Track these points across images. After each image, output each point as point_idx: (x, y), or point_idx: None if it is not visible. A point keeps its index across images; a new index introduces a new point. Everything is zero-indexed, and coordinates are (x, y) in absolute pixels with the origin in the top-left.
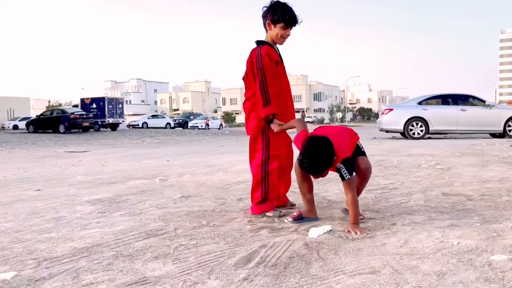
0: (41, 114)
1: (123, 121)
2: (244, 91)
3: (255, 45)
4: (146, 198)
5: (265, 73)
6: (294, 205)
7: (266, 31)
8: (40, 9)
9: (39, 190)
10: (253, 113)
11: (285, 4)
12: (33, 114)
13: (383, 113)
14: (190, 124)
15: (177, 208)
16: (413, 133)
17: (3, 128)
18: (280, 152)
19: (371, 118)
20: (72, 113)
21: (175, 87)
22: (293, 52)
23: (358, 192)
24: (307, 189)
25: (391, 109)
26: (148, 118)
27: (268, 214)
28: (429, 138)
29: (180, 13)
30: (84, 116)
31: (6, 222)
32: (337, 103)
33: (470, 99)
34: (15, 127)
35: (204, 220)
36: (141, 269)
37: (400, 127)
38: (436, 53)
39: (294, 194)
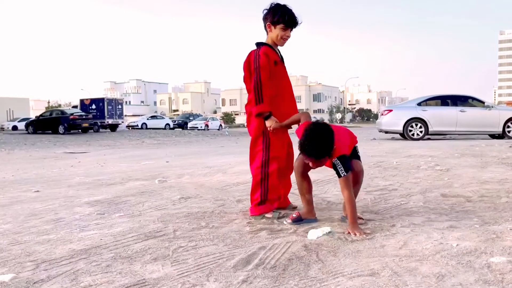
0: (41, 115)
1: (122, 122)
2: (243, 91)
3: (255, 47)
4: (145, 200)
5: (260, 72)
6: (296, 207)
7: (267, 33)
8: (39, 10)
9: (38, 191)
10: (253, 115)
11: (284, 6)
12: (32, 115)
13: (382, 114)
14: (189, 125)
15: (176, 209)
16: (413, 134)
17: (2, 129)
18: (280, 153)
19: (371, 119)
20: (72, 114)
21: (174, 88)
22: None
23: (356, 194)
24: (307, 190)
25: (391, 110)
26: (148, 119)
27: (267, 215)
28: (429, 139)
29: (180, 14)
30: (84, 117)
31: (5, 224)
32: (336, 104)
33: (470, 100)
34: (15, 128)
35: (203, 221)
36: (140, 271)
37: (400, 128)
38: (435, 53)
39: (293, 195)
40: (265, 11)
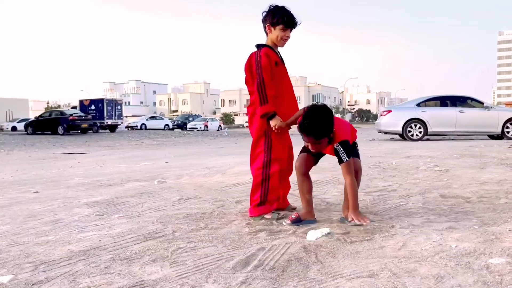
0: (40, 116)
1: (121, 123)
2: (243, 92)
3: (255, 49)
4: (144, 201)
5: (263, 73)
6: (295, 208)
7: (267, 35)
8: (39, 11)
9: (37, 192)
10: (255, 116)
11: (283, 7)
12: (31, 116)
13: (381, 115)
14: (189, 125)
15: (175, 210)
16: (412, 135)
17: (1, 129)
18: (281, 155)
19: (370, 120)
20: (71, 115)
21: (174, 89)
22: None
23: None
24: (307, 189)
25: (390, 111)
26: (147, 120)
27: (266, 216)
28: (428, 139)
29: (179, 14)
30: (83, 117)
31: (4, 225)
32: (336, 105)
33: (469, 101)
34: (14, 128)
35: (202, 222)
36: (138, 273)
37: (399, 129)
38: (435, 54)
39: (292, 196)
40: (264, 13)
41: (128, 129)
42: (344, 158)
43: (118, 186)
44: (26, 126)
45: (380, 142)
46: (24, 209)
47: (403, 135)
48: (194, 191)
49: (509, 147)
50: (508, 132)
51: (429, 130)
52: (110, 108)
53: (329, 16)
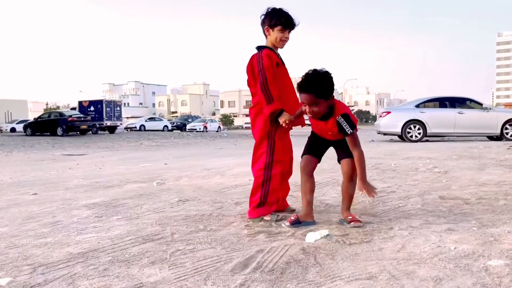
0: (39, 117)
1: (121, 124)
2: (242, 93)
3: (255, 50)
4: (143, 202)
5: (266, 74)
6: (294, 210)
7: (266, 37)
8: (38, 12)
9: (35, 194)
10: (258, 117)
11: (280, 9)
12: (30, 117)
13: (380, 116)
14: (188, 126)
15: (174, 212)
16: (411, 136)
17: (0, 131)
18: (283, 157)
19: (369, 121)
20: (70, 116)
21: (173, 90)
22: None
23: (350, 196)
24: (310, 189)
25: (389, 112)
26: (146, 121)
27: (265, 218)
28: (427, 141)
29: (178, 16)
30: (82, 118)
31: (2, 227)
32: None
33: (468, 102)
34: (13, 129)
35: (201, 224)
36: (137, 275)
37: (398, 130)
38: (434, 55)
39: (292, 197)
40: (262, 16)
41: (127, 130)
42: (348, 131)
43: (117, 187)
44: (25, 127)
45: (379, 143)
46: (23, 211)
47: (402, 136)
48: (193, 192)
49: (508, 148)
50: (507, 133)
51: (428, 131)
52: (109, 109)
53: (329, 16)
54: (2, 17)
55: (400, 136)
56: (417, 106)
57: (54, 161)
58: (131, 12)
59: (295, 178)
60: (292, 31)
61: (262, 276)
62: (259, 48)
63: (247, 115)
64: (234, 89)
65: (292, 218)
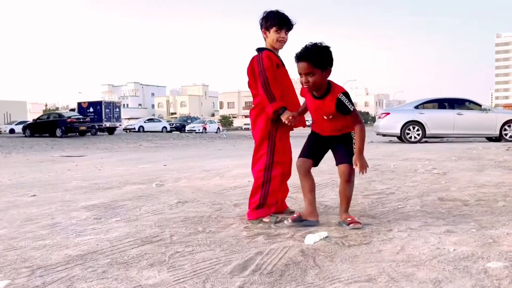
0: (38, 118)
1: (120, 125)
2: (241, 94)
3: (254, 51)
4: (142, 204)
5: (266, 74)
6: (293, 211)
7: (265, 40)
8: (37, 13)
9: (34, 195)
10: (259, 118)
11: (276, 11)
12: (29, 118)
13: (380, 117)
14: (187, 128)
15: (173, 214)
16: (410, 137)
17: None
18: (284, 158)
19: (368, 122)
20: (69, 117)
21: (172, 91)
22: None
23: (348, 198)
24: (308, 188)
25: (388, 113)
26: (145, 122)
27: (264, 219)
28: (426, 142)
29: (178, 17)
30: (81, 120)
31: (1, 229)
32: None
33: (467, 103)
34: (12, 131)
35: (200, 226)
36: (136, 277)
37: (397, 131)
38: (433, 56)
39: (291, 199)
40: (260, 20)
41: (127, 131)
42: (351, 107)
43: (116, 189)
44: (24, 129)
45: (378, 144)
46: (22, 213)
47: (402, 138)
48: (192, 194)
49: (507, 150)
50: (506, 135)
51: (427, 132)
52: (108, 110)
53: (327, 17)
54: (1, 18)
55: (399, 137)
56: (416, 107)
57: (53, 163)
58: (130, 13)
59: (294, 180)
60: (289, 32)
61: (261, 278)
62: (259, 50)
63: (246, 116)
64: (234, 90)
65: (295, 215)
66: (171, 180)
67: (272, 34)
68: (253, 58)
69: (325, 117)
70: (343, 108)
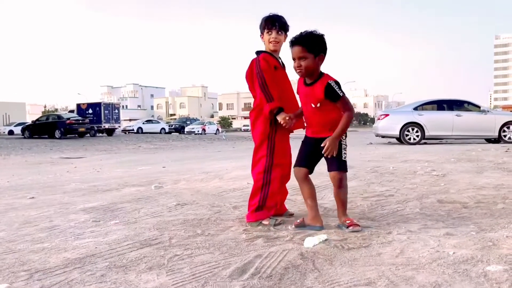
0: (37, 120)
1: (119, 127)
2: (240, 96)
3: (254, 54)
4: (141, 206)
5: (263, 75)
6: (293, 214)
7: (264, 44)
8: (36, 14)
9: (33, 198)
10: (258, 119)
11: (268, 14)
12: (28, 119)
13: (379, 119)
14: (186, 129)
15: (172, 216)
16: (409, 139)
17: None
18: (283, 160)
19: (367, 123)
20: (68, 119)
21: (171, 92)
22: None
23: (343, 201)
24: (307, 195)
25: (387, 115)
26: (143, 123)
27: (264, 222)
28: (425, 143)
29: (177, 18)
30: (80, 121)
31: None
32: None
33: (465, 105)
34: (11, 132)
35: (199, 229)
36: (134, 281)
37: (396, 133)
38: (432, 57)
39: (290, 201)
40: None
41: (126, 133)
42: (341, 92)
43: (115, 191)
44: (23, 130)
45: (377, 146)
46: (20, 215)
47: (401, 139)
48: (191, 196)
49: (506, 151)
50: (505, 136)
51: (426, 134)
52: (107, 112)
53: (326, 18)
54: (1, 19)
55: (398, 139)
56: (415, 108)
57: (52, 164)
58: (130, 14)
59: (293, 182)
60: (284, 32)
61: (260, 282)
62: (258, 53)
63: (245, 118)
64: (233, 91)
65: (298, 221)
66: (170, 182)
67: (266, 36)
68: (251, 61)
69: (313, 105)
70: (332, 93)
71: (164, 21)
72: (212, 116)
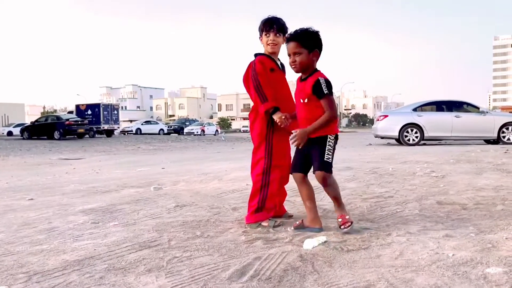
0: (36, 121)
1: (118, 128)
2: (239, 97)
3: (253, 57)
4: (140, 208)
5: (258, 78)
6: (292, 216)
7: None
8: (35, 15)
9: (32, 199)
10: (256, 121)
11: (267, 17)
12: (27, 120)
13: (378, 120)
14: (185, 130)
15: (171, 218)
16: (408, 140)
17: None
18: (281, 162)
19: (366, 124)
20: (67, 120)
21: (170, 93)
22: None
23: (334, 198)
24: (305, 196)
25: (386, 116)
26: (142, 124)
27: (263, 223)
28: (424, 144)
29: (176, 19)
30: (79, 122)
31: None
32: None
33: (464, 106)
34: (10, 133)
35: (198, 230)
36: (133, 283)
37: (395, 134)
38: (431, 58)
39: (289, 203)
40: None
41: (125, 134)
42: (325, 90)
43: (114, 192)
44: (22, 131)
45: (376, 147)
46: (19, 217)
47: (400, 140)
48: (190, 198)
49: (505, 152)
50: (504, 137)
51: (425, 135)
52: (106, 113)
53: (325, 18)
54: (0, 20)
55: (398, 140)
56: (414, 109)
57: (51, 166)
58: (129, 15)
59: (292, 183)
60: (282, 34)
61: (259, 284)
62: (257, 55)
63: (245, 118)
64: (232, 92)
65: (297, 223)
66: (169, 184)
67: (264, 38)
68: (249, 64)
69: (302, 100)
70: (318, 90)
71: (163, 22)
72: (211, 117)
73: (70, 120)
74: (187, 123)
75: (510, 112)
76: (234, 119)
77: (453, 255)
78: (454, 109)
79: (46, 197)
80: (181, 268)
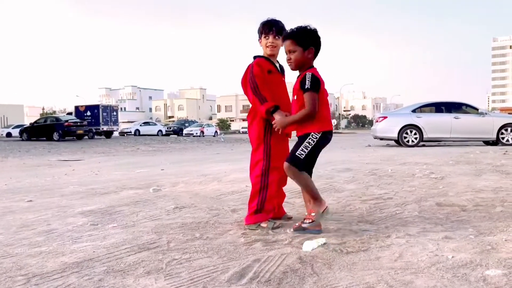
0: (35, 122)
1: (117, 129)
2: (239, 98)
3: (252, 55)
4: (139, 209)
5: (255, 80)
6: (291, 217)
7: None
8: (34, 16)
9: (30, 201)
10: (254, 123)
11: (266, 19)
12: (27, 122)
13: (377, 121)
14: (185, 131)
15: (170, 219)
16: (407, 141)
17: None
18: (280, 163)
19: (366, 125)
20: (66, 121)
21: (170, 94)
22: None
23: (304, 187)
24: (307, 199)
25: (385, 117)
26: (140, 125)
27: (262, 225)
28: (423, 145)
29: (175, 20)
30: (78, 123)
31: None
32: (331, 110)
33: (463, 107)
34: (9, 134)
35: (198, 232)
36: (132, 286)
37: (394, 135)
38: (430, 60)
39: (288, 204)
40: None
41: (124, 135)
42: (307, 86)
43: (113, 194)
44: (21, 132)
45: (375, 148)
46: (17, 219)
47: (399, 141)
48: (189, 199)
49: (504, 153)
50: (503, 138)
51: (424, 136)
52: (105, 114)
53: (324, 21)
54: None
55: (397, 141)
56: (414, 111)
57: (50, 167)
58: (128, 16)
59: (291, 185)
60: (280, 38)
61: (258, 286)
62: (255, 57)
63: (244, 120)
64: (231, 93)
65: (297, 224)
66: (168, 185)
67: (263, 40)
68: (247, 67)
69: (294, 97)
70: (303, 84)
71: (163, 23)
72: (210, 118)
73: (69, 121)
74: (186, 124)
75: (509, 113)
76: (233, 120)
77: (452, 257)
78: (453, 110)
79: (45, 199)
80: (180, 270)
